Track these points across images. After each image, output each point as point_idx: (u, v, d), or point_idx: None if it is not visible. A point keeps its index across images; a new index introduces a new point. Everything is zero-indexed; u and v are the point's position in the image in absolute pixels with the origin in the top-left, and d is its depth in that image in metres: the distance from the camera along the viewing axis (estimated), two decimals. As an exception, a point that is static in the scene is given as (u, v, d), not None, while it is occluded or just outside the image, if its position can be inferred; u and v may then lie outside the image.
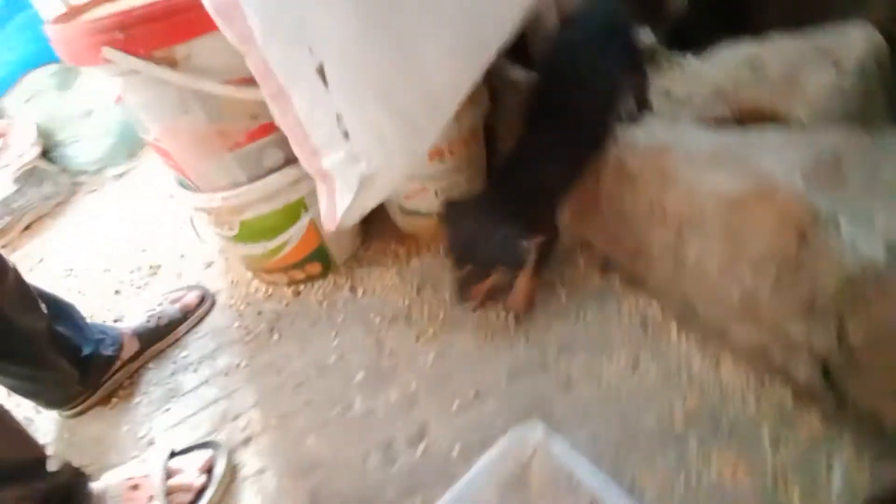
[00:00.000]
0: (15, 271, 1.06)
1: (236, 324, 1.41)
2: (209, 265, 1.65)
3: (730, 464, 0.92)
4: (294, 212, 1.22)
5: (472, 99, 1.15)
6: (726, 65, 1.02)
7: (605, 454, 0.97)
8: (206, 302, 1.46)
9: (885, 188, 0.69)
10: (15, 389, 1.17)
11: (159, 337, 1.35)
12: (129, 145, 2.31)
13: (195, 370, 1.32)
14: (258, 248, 1.24)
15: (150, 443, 1.18)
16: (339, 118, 0.76)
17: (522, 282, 1.06)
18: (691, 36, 1.34)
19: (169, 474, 1.01)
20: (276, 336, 1.35)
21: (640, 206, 0.99)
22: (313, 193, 1.22)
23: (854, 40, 0.85)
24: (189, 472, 1.02)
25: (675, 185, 0.88)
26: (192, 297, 1.44)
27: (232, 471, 1.06)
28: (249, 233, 1.23)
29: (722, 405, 0.99)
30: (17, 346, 1.05)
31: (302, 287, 1.46)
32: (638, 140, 0.95)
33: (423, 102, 0.75)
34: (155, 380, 1.33)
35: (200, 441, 1.10)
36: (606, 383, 1.08)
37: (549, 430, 0.97)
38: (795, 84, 0.88)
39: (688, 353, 1.09)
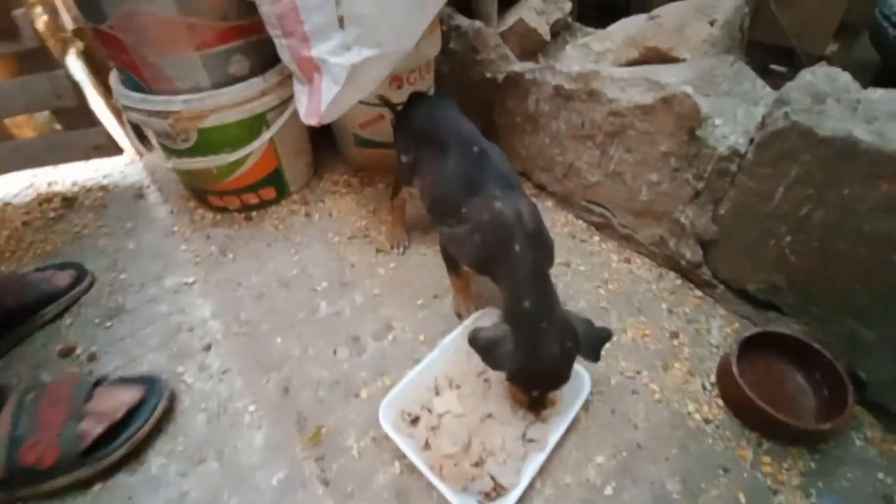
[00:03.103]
0: None
1: (182, 248, 1.36)
2: (140, 197, 1.55)
3: (640, 329, 1.17)
4: (256, 125, 1.24)
5: (430, 30, 1.29)
6: (636, 21, 1.30)
7: (548, 328, 1.16)
8: (81, 282, 1.24)
9: (742, 95, 0.98)
10: None
11: (16, 321, 1.12)
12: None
13: (137, 291, 1.26)
14: (217, 161, 1.22)
15: (92, 358, 1.11)
16: (337, 2, 0.84)
17: None
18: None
19: (89, 398, 0.90)
20: (230, 256, 1.33)
21: (573, 123, 1.21)
22: (275, 110, 1.26)
23: (725, 3, 1.16)
24: (110, 403, 0.91)
25: (601, 101, 1.12)
26: (63, 277, 1.23)
27: (164, 409, 0.97)
28: (209, 143, 1.21)
29: (633, 289, 1.25)
30: None
31: (254, 213, 1.45)
32: (572, 69, 1.17)
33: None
34: (88, 301, 1.23)
35: (140, 375, 1.00)
36: (545, 279, 1.28)
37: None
38: (682, 34, 1.16)
39: (607, 254, 1.34)
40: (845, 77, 0.90)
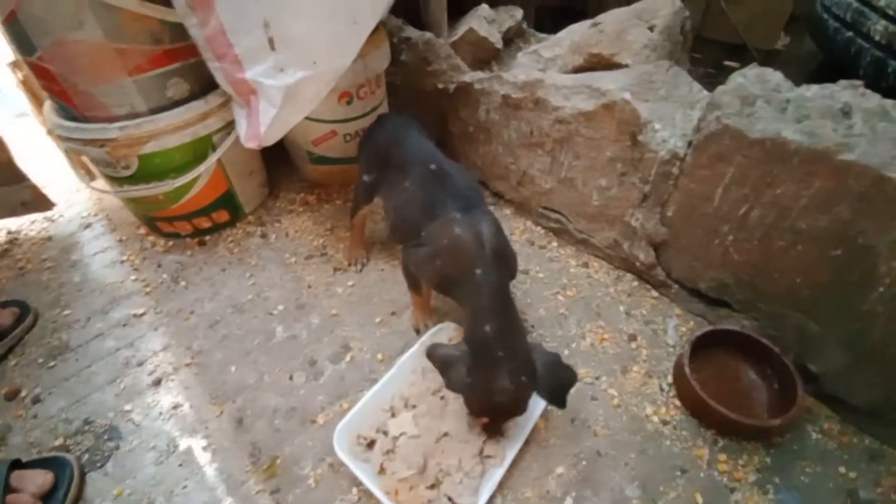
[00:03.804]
0: None
1: (132, 277, 1.32)
2: (86, 226, 1.50)
3: (598, 333, 1.17)
4: (201, 148, 1.20)
5: (375, 45, 1.28)
6: (581, 28, 1.31)
7: (507, 339, 1.16)
8: (24, 320, 1.20)
9: (679, 99, 0.99)
10: None
11: None
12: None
13: (82, 326, 1.21)
14: (162, 188, 1.19)
15: (36, 400, 1.06)
16: (266, 25, 0.82)
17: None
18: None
19: (9, 489, 0.88)
20: (182, 283, 1.29)
21: (523, 132, 1.21)
22: (221, 132, 1.23)
23: (663, 9, 1.18)
24: (26, 494, 0.89)
25: (547, 109, 1.12)
26: (5, 315, 1.18)
27: (77, 492, 0.93)
28: (151, 170, 1.17)
29: (592, 293, 1.25)
30: None
31: (208, 238, 1.41)
32: (518, 78, 1.17)
33: (348, 13, 0.85)
34: (32, 340, 1.18)
35: (47, 456, 0.96)
36: (505, 289, 1.27)
37: (459, 328, 1.13)
38: (623, 40, 1.18)
39: (565, 260, 1.34)
40: (776, 77, 0.92)
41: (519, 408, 0.84)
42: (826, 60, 1.70)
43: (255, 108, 0.94)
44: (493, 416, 0.85)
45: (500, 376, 0.80)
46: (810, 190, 0.83)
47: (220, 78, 0.96)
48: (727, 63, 2.25)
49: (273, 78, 0.89)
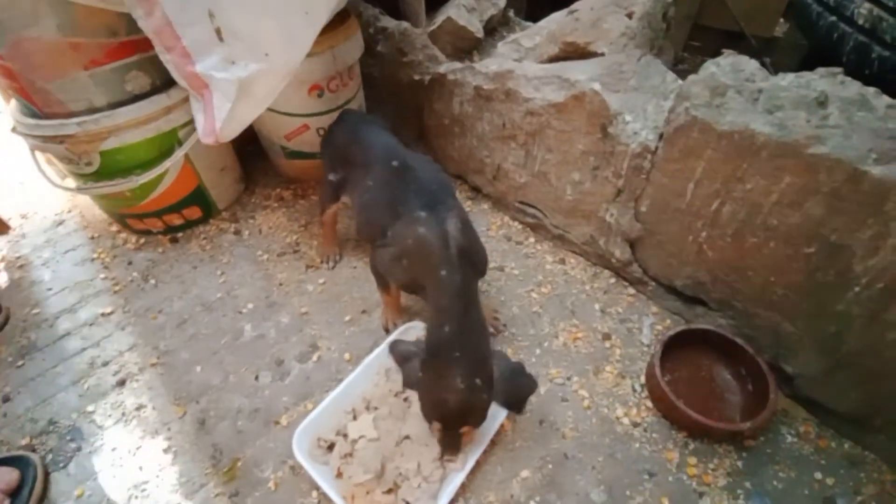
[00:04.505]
0: None
1: (101, 276, 1.30)
2: (59, 223, 1.48)
3: (571, 332, 1.14)
4: (166, 143, 1.18)
5: (346, 35, 1.24)
6: (557, 17, 1.26)
7: (478, 338, 1.13)
8: None
9: (651, 89, 0.95)
10: None
11: None
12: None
13: (50, 326, 1.20)
14: (125, 185, 1.16)
15: (6, 399, 1.06)
16: (211, 16, 0.79)
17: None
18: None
19: None
20: (151, 282, 1.28)
21: (496, 124, 1.17)
22: (187, 126, 1.20)
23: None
24: None
25: (518, 100, 1.08)
26: None
27: (41, 491, 0.93)
28: (114, 166, 1.15)
29: (567, 291, 1.22)
30: None
31: (180, 234, 1.39)
32: (490, 68, 1.13)
33: (297, 4, 0.82)
34: (2, 339, 1.17)
35: (13, 455, 0.96)
36: (479, 285, 1.24)
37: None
38: (600, 28, 1.13)
39: (542, 256, 1.31)
40: (751, 66, 0.88)
41: (472, 414, 0.81)
42: (812, 48, 1.63)
43: (210, 102, 0.92)
44: (443, 419, 0.82)
45: (452, 375, 0.78)
46: (780, 185, 0.79)
47: (172, 71, 0.94)
48: (725, 51, 2.19)
49: (225, 71, 0.86)
